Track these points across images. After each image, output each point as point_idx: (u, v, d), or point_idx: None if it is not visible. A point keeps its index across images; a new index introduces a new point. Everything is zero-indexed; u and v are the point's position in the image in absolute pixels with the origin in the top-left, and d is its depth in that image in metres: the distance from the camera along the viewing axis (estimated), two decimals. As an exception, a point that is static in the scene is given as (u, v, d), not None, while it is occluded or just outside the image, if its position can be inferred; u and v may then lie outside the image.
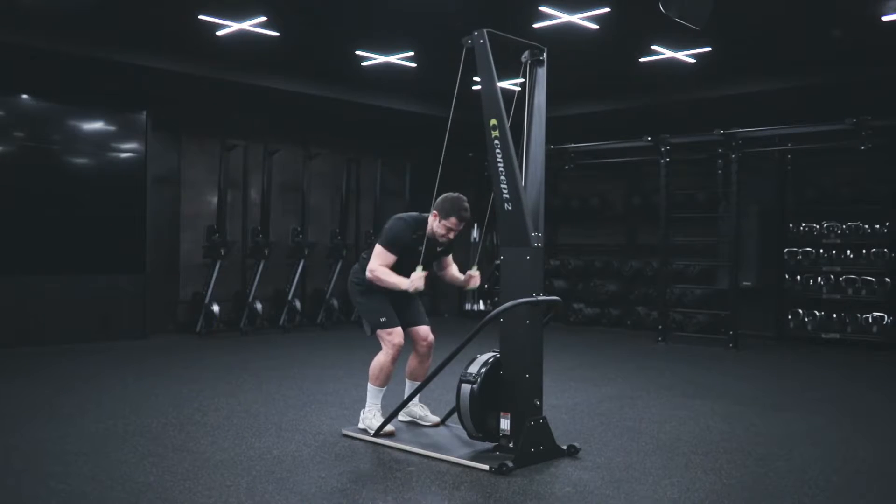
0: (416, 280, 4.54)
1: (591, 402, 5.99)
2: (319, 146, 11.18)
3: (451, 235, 4.66)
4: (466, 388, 4.36)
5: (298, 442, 4.63)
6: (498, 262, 4.53)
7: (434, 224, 4.65)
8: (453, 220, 4.59)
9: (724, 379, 7.22)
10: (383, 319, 4.68)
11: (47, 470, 4.00)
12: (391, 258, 4.63)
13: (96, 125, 9.29)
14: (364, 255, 4.85)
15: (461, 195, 4.66)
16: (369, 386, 4.76)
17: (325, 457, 4.33)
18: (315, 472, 4.04)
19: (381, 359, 4.71)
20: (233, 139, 10.30)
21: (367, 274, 4.65)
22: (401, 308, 4.80)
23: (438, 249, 4.80)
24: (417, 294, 4.85)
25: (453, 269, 4.97)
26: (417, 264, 4.59)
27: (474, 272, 4.77)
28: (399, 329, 4.71)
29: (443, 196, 4.65)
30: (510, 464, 4.07)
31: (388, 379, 4.75)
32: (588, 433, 4.95)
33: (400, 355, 4.71)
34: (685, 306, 10.28)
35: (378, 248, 4.66)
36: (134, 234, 9.32)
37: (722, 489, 3.86)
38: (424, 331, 4.88)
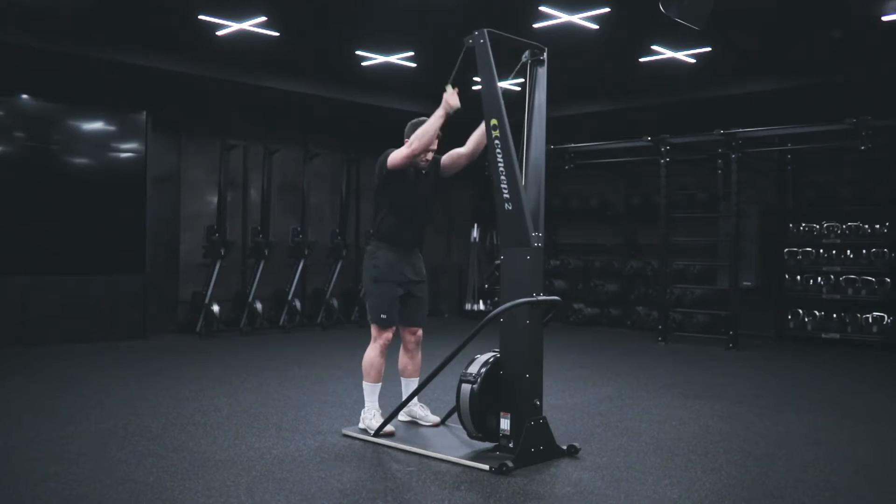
0: (448, 98, 4.54)
1: (591, 402, 5.99)
2: (319, 146, 11.18)
3: (430, 156, 4.75)
4: (466, 388, 4.36)
5: (298, 442, 4.63)
6: (498, 262, 4.53)
7: None
8: None
9: (724, 379, 7.21)
10: (383, 317, 4.71)
11: (47, 470, 4.00)
12: (408, 142, 4.65)
13: (96, 125, 9.29)
14: (374, 230, 4.88)
15: (426, 117, 4.72)
16: (364, 383, 4.79)
17: (325, 457, 4.33)
18: (315, 472, 4.04)
19: (370, 353, 4.75)
20: (233, 139, 10.30)
21: (407, 150, 4.60)
22: (406, 306, 4.82)
23: (424, 172, 4.80)
24: (427, 294, 4.91)
25: (461, 148, 4.85)
26: (419, 209, 4.82)
27: (448, 89, 4.61)
28: (392, 329, 4.77)
29: (409, 123, 4.74)
30: (510, 464, 4.07)
31: (380, 373, 4.77)
32: (588, 433, 4.95)
33: (387, 349, 4.76)
34: (685, 306, 10.28)
35: (394, 152, 4.67)
36: (134, 234, 9.31)
37: (722, 489, 3.86)
38: (415, 328, 4.92)
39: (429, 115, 4.72)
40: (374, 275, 4.76)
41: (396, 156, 4.66)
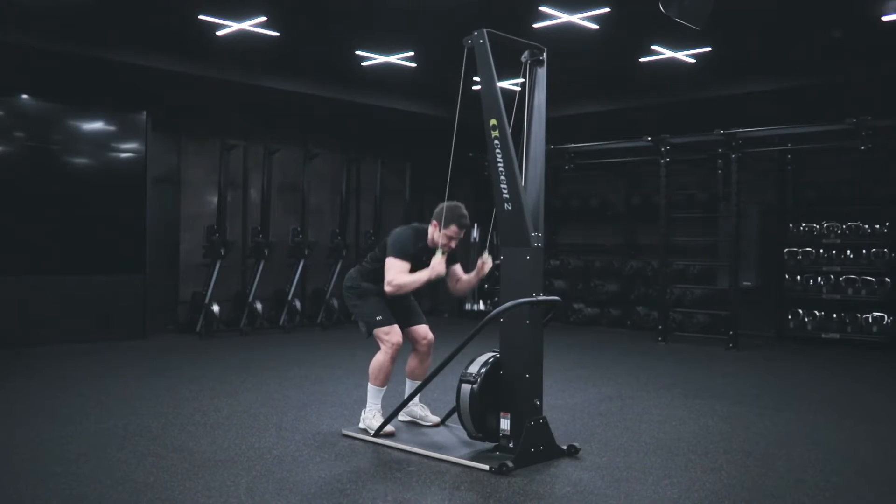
0: (436, 266, 4.53)
1: (591, 402, 5.99)
2: (319, 146, 11.18)
3: (453, 244, 4.69)
4: (466, 388, 4.36)
5: (298, 442, 4.64)
6: (498, 262, 4.54)
7: (434, 234, 4.68)
8: (453, 227, 4.63)
9: (724, 379, 7.22)
10: (379, 318, 4.70)
11: (47, 470, 4.00)
12: (406, 265, 4.62)
13: (96, 125, 9.29)
14: (365, 262, 4.87)
15: (458, 203, 4.69)
16: (369, 385, 4.78)
17: (325, 457, 4.33)
18: (315, 472, 4.04)
19: (379, 358, 4.73)
20: (233, 139, 10.30)
21: (387, 287, 4.58)
22: (398, 309, 4.82)
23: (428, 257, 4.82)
24: (413, 295, 4.90)
25: (464, 277, 4.88)
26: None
27: (485, 257, 4.65)
28: (396, 327, 4.73)
29: (440, 205, 4.68)
30: (510, 464, 4.07)
31: (388, 378, 4.76)
32: (588, 433, 4.95)
33: (399, 354, 4.73)
34: (685, 306, 10.28)
35: (391, 260, 4.63)
36: (134, 234, 9.31)
37: (722, 489, 3.86)
38: (423, 330, 4.90)
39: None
40: (357, 293, 4.83)
41: (388, 271, 4.59)
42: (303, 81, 10.07)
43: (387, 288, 4.60)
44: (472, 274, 4.77)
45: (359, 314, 4.83)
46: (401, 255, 4.63)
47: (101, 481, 3.83)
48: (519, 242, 4.35)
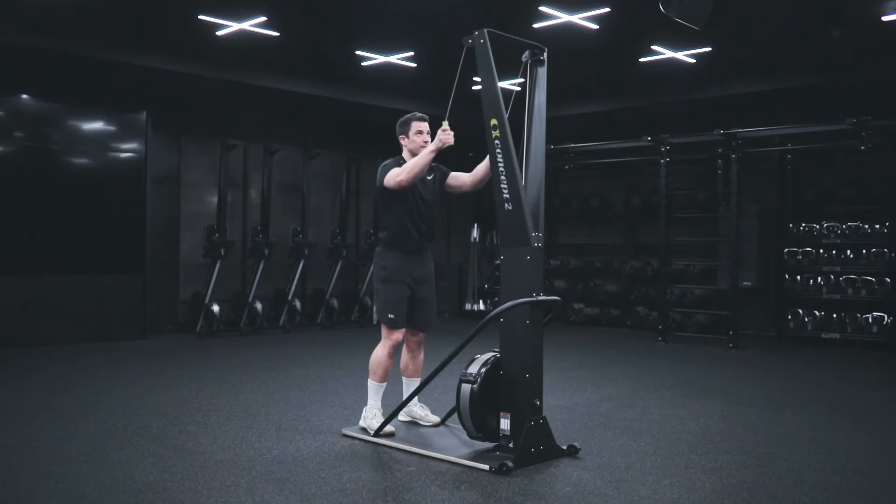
0: (441, 136, 4.54)
1: (591, 402, 5.99)
2: (319, 146, 11.18)
3: (426, 137, 4.77)
4: (466, 388, 4.36)
5: (298, 442, 4.64)
6: (498, 262, 4.54)
7: (407, 145, 4.81)
8: (414, 124, 4.79)
9: (724, 379, 7.22)
10: (391, 317, 4.71)
11: (47, 470, 4.00)
12: (400, 169, 4.66)
13: (96, 125, 9.29)
14: (381, 235, 4.87)
15: (413, 112, 4.88)
16: (369, 382, 4.79)
17: (325, 457, 4.33)
18: (315, 472, 4.04)
19: (378, 352, 4.76)
20: (233, 139, 10.30)
21: (402, 178, 4.59)
22: (414, 307, 4.80)
23: (429, 178, 4.82)
24: (434, 294, 4.91)
25: (467, 175, 4.92)
26: (422, 213, 4.76)
27: (444, 125, 4.57)
28: (402, 331, 4.77)
29: (399, 121, 4.86)
30: (510, 464, 4.07)
31: (387, 373, 4.78)
32: (588, 433, 4.95)
33: (396, 350, 4.77)
34: (685, 306, 10.28)
35: (388, 174, 4.67)
36: (134, 234, 9.31)
37: (722, 489, 3.86)
38: (416, 330, 4.91)
39: (431, 116, 4.74)
40: (383, 276, 4.79)
41: (390, 181, 4.67)
42: (303, 81, 10.07)
43: (395, 182, 4.61)
44: (479, 169, 4.80)
45: (377, 299, 4.86)
46: (391, 169, 4.70)
47: (101, 481, 3.83)
48: (519, 242, 4.34)
